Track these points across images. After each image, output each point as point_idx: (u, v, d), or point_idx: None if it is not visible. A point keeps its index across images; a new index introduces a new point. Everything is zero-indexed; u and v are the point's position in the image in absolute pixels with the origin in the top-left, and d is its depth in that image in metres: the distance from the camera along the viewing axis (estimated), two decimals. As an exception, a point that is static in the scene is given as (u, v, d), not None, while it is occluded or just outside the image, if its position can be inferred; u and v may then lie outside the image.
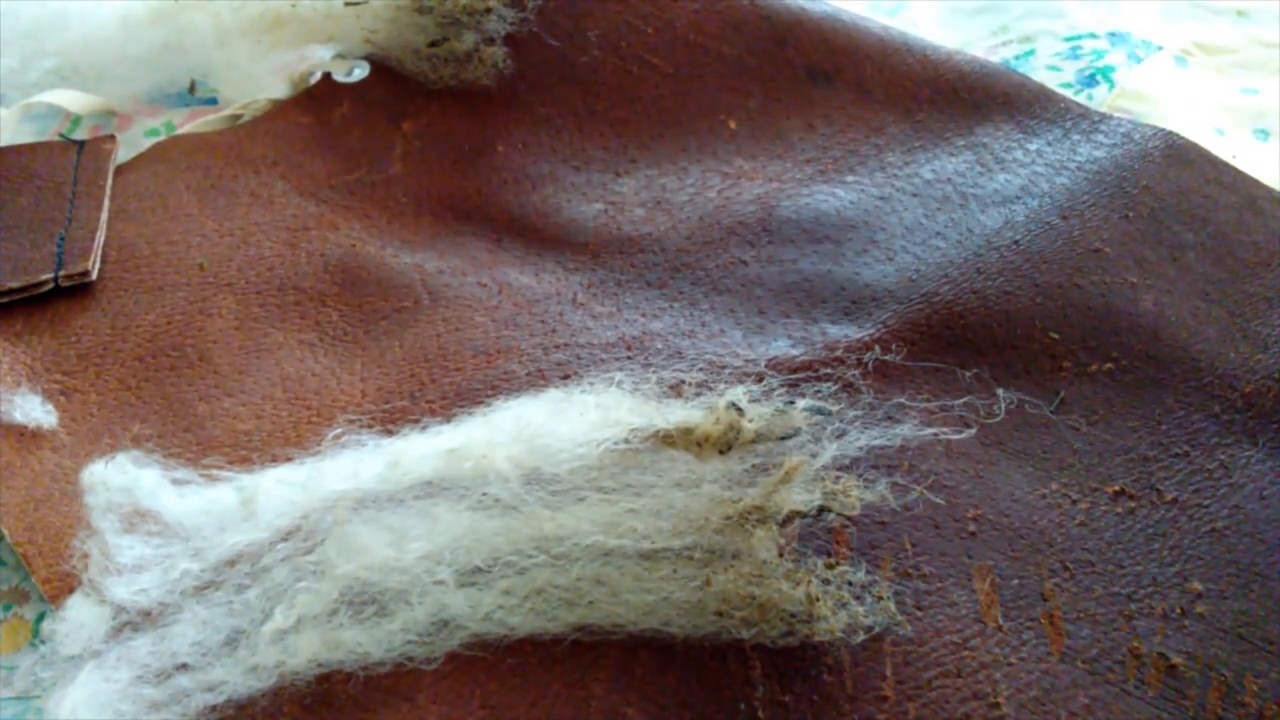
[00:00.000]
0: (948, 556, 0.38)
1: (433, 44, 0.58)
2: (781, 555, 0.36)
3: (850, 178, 0.55)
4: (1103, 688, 0.35)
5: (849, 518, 0.37)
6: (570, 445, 0.38)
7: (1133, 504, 0.41)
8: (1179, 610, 0.38)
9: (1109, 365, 0.45)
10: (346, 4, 0.59)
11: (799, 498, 0.36)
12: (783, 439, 0.38)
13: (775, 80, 0.59)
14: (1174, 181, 0.51)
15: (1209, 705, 0.35)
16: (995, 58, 0.60)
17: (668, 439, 0.38)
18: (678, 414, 0.38)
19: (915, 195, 0.52)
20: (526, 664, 0.35)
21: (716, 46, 0.60)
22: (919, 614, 0.36)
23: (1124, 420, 0.43)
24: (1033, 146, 0.54)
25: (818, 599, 0.35)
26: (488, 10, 0.58)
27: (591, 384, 0.41)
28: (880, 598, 0.36)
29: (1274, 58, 0.59)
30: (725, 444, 0.37)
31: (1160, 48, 0.54)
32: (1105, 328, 0.46)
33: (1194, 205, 0.50)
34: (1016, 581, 0.38)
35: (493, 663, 0.35)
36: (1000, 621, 0.37)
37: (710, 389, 0.41)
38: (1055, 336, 0.45)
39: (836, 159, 0.56)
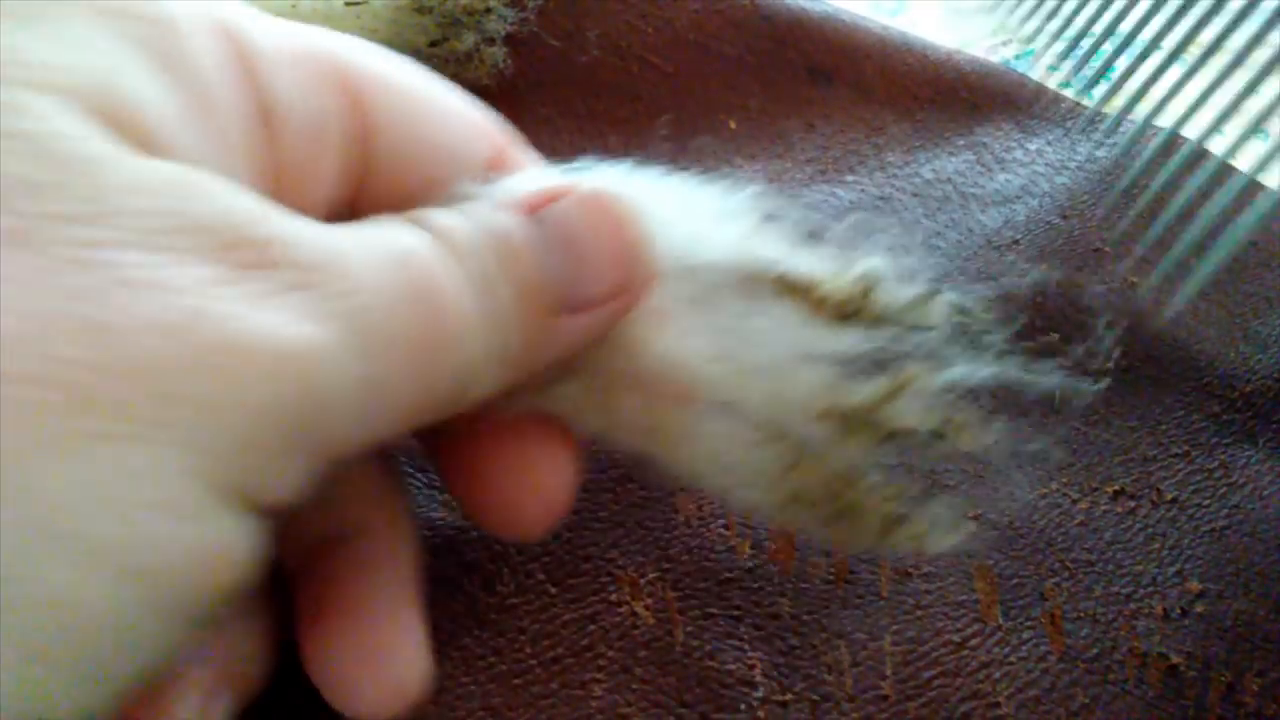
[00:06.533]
0: (947, 556, 0.38)
1: (433, 44, 0.58)
2: (874, 468, 0.31)
3: (850, 177, 0.55)
4: (1103, 687, 0.35)
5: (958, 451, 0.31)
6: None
7: (1133, 504, 0.41)
8: (1179, 610, 0.38)
9: (1108, 365, 0.45)
10: (346, 4, 0.59)
11: (912, 412, 0.31)
12: (911, 328, 0.32)
13: (776, 80, 0.59)
14: (1173, 181, 0.51)
15: (1209, 705, 0.35)
16: (995, 58, 0.60)
17: (787, 286, 0.32)
18: (806, 261, 0.32)
19: (915, 195, 0.52)
20: (527, 664, 0.35)
21: (717, 46, 0.60)
22: (919, 614, 0.36)
23: (1123, 420, 0.43)
24: (1033, 146, 0.54)
25: (898, 522, 0.30)
26: (488, 10, 0.58)
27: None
28: (957, 526, 0.31)
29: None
30: (849, 311, 0.31)
31: (1160, 48, 0.54)
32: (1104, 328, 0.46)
33: (1193, 205, 0.50)
34: (1016, 581, 0.38)
35: (493, 662, 0.35)
36: (1000, 621, 0.37)
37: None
38: (1055, 336, 0.45)
39: (836, 158, 0.56)
